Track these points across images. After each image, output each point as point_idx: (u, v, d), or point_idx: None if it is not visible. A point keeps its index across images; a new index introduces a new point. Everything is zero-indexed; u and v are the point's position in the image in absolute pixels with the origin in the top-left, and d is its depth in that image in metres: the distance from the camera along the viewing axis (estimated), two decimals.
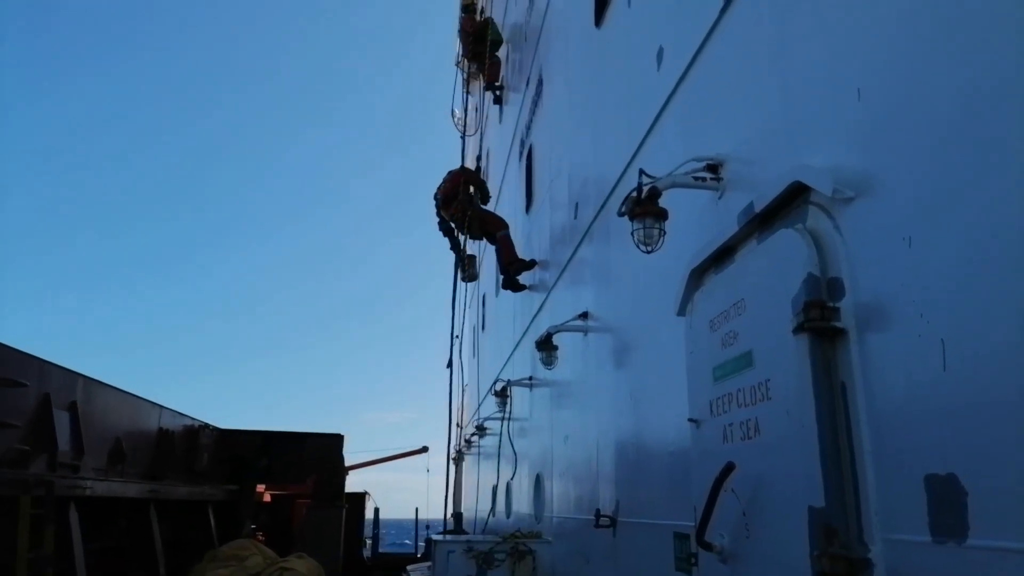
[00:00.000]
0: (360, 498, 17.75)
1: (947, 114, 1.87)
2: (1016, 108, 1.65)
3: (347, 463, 16.50)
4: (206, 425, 12.09)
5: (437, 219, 9.78)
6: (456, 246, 10.02)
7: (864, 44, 2.26)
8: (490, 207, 10.67)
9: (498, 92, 13.41)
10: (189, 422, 11.40)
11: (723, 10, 3.34)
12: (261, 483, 14.61)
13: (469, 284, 12.93)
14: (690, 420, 3.24)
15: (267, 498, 16.02)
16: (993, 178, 1.70)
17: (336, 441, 14.96)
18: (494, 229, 9.35)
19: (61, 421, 7.05)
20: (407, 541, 23.85)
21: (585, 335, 6.05)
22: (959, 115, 1.82)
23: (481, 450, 14.04)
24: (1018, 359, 1.59)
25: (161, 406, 10.19)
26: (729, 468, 2.71)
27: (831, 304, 2.25)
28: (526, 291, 9.24)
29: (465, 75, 14.78)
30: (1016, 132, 1.65)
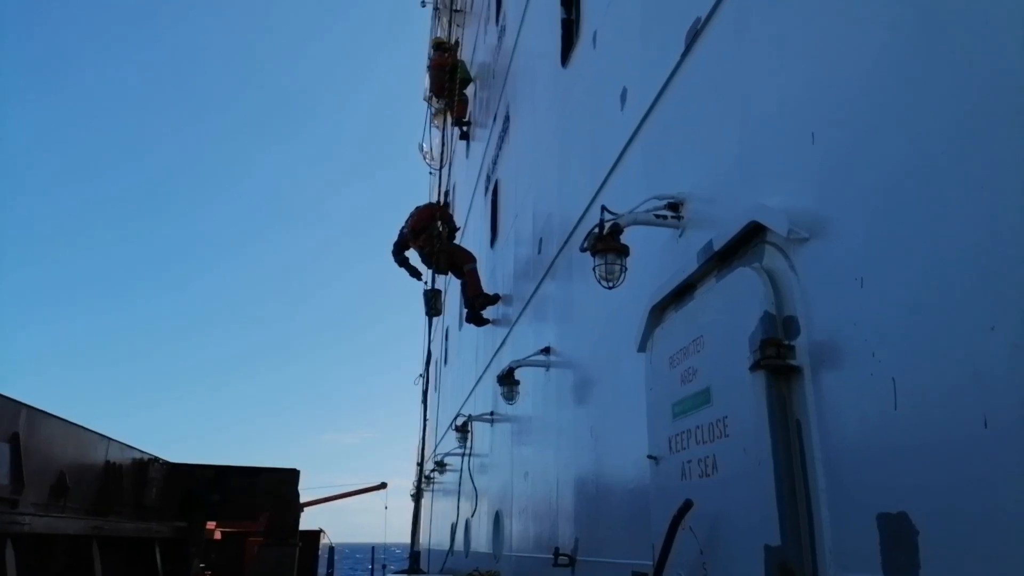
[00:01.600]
0: (315, 536, 17.27)
1: (898, 158, 1.93)
2: (964, 153, 1.71)
3: (303, 498, 16.08)
4: (156, 458, 11.70)
5: (392, 250, 9.81)
6: (416, 274, 10.03)
7: (818, 90, 2.34)
8: (455, 240, 10.69)
9: (465, 128, 13.53)
10: (138, 455, 11.01)
11: (684, 54, 3.43)
12: (212, 520, 14.12)
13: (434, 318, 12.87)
14: (649, 457, 3.23)
15: (218, 535, 15.47)
16: (943, 220, 1.76)
17: (291, 476, 14.58)
18: (461, 262, 9.36)
19: (1, 453, 6.76)
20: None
21: (547, 370, 6.04)
22: (910, 159, 1.89)
23: (441, 486, 13.82)
24: (967, 399, 1.62)
25: (109, 438, 9.83)
26: (687, 506, 2.70)
27: (787, 342, 2.28)
28: (489, 325, 9.23)
29: (433, 110, 14.90)
30: (965, 176, 1.70)
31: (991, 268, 1.60)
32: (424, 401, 12.51)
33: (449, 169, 14.56)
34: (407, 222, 9.74)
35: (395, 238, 9.84)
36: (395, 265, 9.98)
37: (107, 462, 9.82)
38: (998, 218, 1.59)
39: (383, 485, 26.45)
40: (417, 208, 9.89)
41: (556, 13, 6.41)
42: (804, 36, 2.46)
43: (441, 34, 16.39)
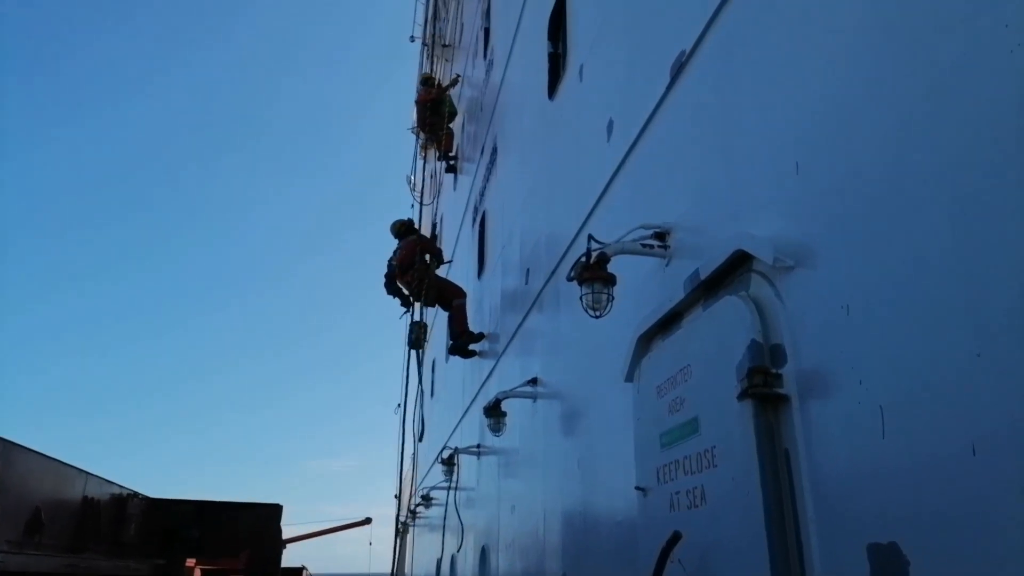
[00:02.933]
0: (297, 573, 16.91)
1: (881, 187, 1.94)
2: (948, 181, 1.73)
3: (286, 533, 15.78)
4: (135, 494, 11.47)
5: (384, 280, 9.78)
6: (408, 303, 9.99)
7: (801, 120, 2.37)
8: (443, 271, 10.67)
9: (452, 162, 13.62)
10: (117, 490, 10.81)
11: (669, 86, 3.47)
12: (192, 557, 13.82)
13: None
14: (637, 488, 3.19)
15: (197, 573, 15.14)
16: (927, 248, 1.77)
17: (274, 512, 14.33)
18: (451, 296, 9.34)
19: None
20: None
21: (534, 401, 5.99)
22: (893, 188, 1.90)
23: (426, 521, 13.60)
24: (954, 427, 1.61)
25: (87, 473, 9.64)
26: (675, 538, 2.66)
27: (774, 370, 2.27)
28: (475, 357, 9.18)
29: (421, 143, 15.01)
30: (948, 205, 1.72)
31: (976, 296, 1.60)
32: (403, 432, 12.33)
33: (436, 201, 14.63)
34: (395, 254, 9.74)
35: (385, 270, 9.83)
36: (386, 296, 9.94)
37: (85, 497, 9.62)
38: (982, 246, 1.60)
39: (368, 520, 26.05)
40: (405, 239, 9.89)
41: (543, 47, 6.51)
42: (787, 68, 2.49)
43: (429, 69, 16.58)
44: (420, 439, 10.25)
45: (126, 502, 11.21)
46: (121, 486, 11.29)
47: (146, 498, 12.52)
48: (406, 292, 9.59)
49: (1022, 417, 1.46)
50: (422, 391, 10.27)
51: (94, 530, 9.84)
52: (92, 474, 10.01)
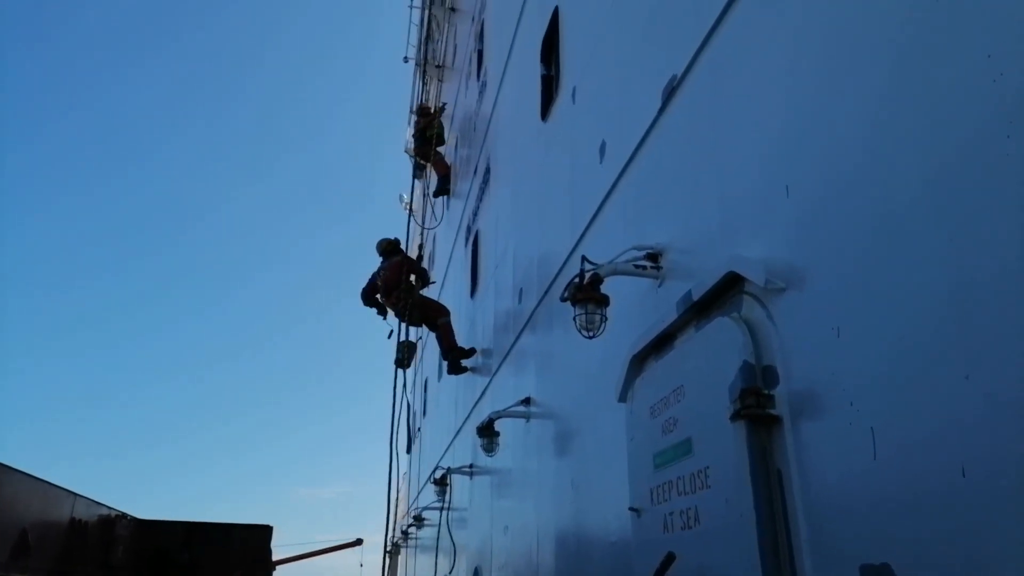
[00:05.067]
0: None
1: (871, 210, 1.98)
2: (937, 206, 1.76)
3: (276, 555, 15.60)
4: (124, 515, 11.35)
5: (362, 291, 9.84)
6: (384, 313, 10.03)
7: (792, 144, 2.41)
8: (435, 291, 10.68)
9: (445, 185, 13.68)
10: (105, 511, 10.68)
11: (661, 110, 3.52)
12: None
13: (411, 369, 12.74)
14: (631, 509, 3.20)
15: None
16: (916, 271, 1.80)
17: (264, 533, 14.18)
18: (435, 316, 9.38)
19: None
20: None
21: (527, 421, 5.99)
22: (883, 211, 1.94)
23: (418, 542, 13.49)
24: (944, 449, 1.63)
25: (76, 494, 9.54)
26: (670, 559, 2.66)
27: (766, 391, 2.29)
28: (469, 374, 9.18)
29: (415, 163, 15.08)
30: (937, 229, 1.75)
31: (964, 318, 1.63)
32: (391, 450, 12.20)
33: (424, 222, 14.66)
34: (379, 274, 9.77)
35: (366, 282, 9.89)
36: (365, 309, 9.99)
37: (72, 519, 9.50)
38: (970, 269, 1.63)
39: (359, 541, 25.77)
40: (389, 259, 9.91)
41: (536, 69, 6.58)
42: (777, 92, 2.54)
43: (422, 88, 16.68)
44: (408, 450, 10.18)
45: (114, 523, 11.08)
46: (110, 507, 11.16)
47: (135, 519, 12.37)
48: (388, 308, 9.64)
49: (1010, 439, 1.48)
50: (408, 402, 10.21)
51: (81, 552, 9.72)
52: (80, 495, 9.90)
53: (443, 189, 13.64)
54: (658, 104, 3.53)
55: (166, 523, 13.20)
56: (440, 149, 13.10)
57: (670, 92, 3.41)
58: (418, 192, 15.11)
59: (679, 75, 3.32)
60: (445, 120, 13.38)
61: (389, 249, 9.92)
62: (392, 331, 9.87)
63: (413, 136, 14.55)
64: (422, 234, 13.03)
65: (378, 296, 9.71)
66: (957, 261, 1.67)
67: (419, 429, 12.96)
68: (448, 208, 13.97)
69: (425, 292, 10.10)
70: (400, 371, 10.14)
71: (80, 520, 9.73)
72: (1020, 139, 1.53)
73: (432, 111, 13.54)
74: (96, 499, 10.37)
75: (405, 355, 9.97)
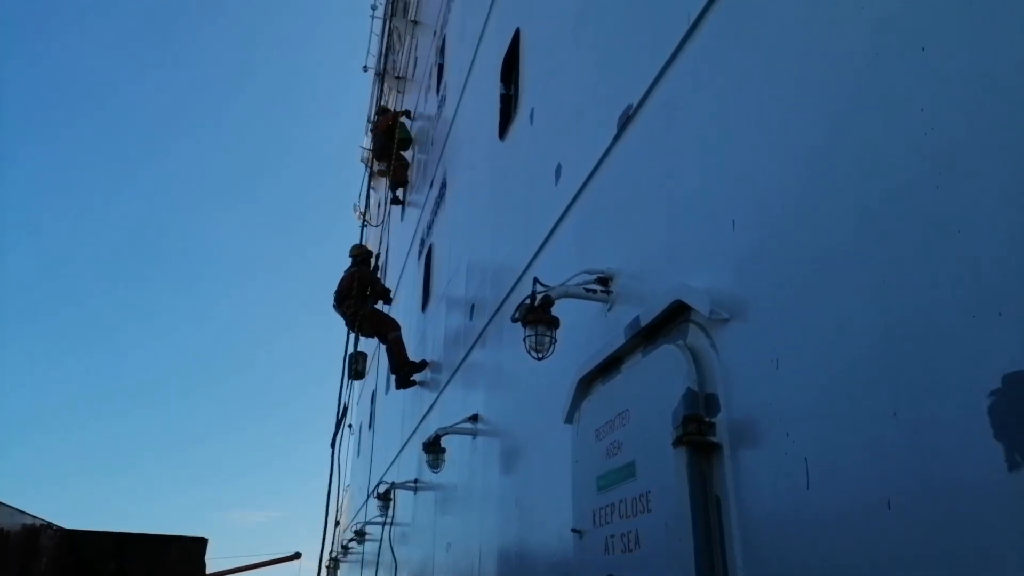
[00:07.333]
0: None
1: (810, 248, 2.06)
2: (869, 245, 1.85)
3: (210, 568, 15.12)
4: (49, 525, 10.87)
5: (332, 301, 9.72)
6: (352, 325, 9.90)
7: (739, 181, 2.49)
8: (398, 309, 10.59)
9: (401, 192, 13.60)
10: (29, 520, 10.21)
11: (616, 138, 3.60)
12: None
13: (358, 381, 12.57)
14: (573, 530, 3.22)
15: None
16: (849, 309, 1.88)
17: (198, 546, 13.73)
18: (386, 330, 9.32)
19: None
20: None
21: (474, 438, 5.98)
22: (820, 250, 2.02)
23: (360, 557, 13.27)
24: (872, 481, 1.71)
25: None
26: None
27: (708, 419, 2.36)
28: (417, 388, 9.12)
29: (370, 171, 14.96)
30: (868, 268, 1.84)
31: (892, 356, 1.71)
32: (333, 460, 11.97)
33: (384, 228, 14.56)
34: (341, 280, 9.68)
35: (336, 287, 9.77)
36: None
37: None
38: (899, 309, 1.72)
39: (298, 555, 25.17)
40: (347, 270, 9.83)
41: (495, 88, 6.64)
42: (726, 131, 2.63)
43: (379, 98, 16.63)
44: (332, 443, 9.88)
45: (39, 533, 10.60)
46: (34, 516, 10.68)
47: (61, 529, 11.87)
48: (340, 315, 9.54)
49: (933, 475, 1.55)
50: (346, 376, 9.94)
51: (2, 563, 9.26)
52: (2, 503, 9.46)
53: (396, 199, 13.57)
54: (613, 132, 3.60)
55: (95, 533, 12.68)
56: (404, 154, 13.03)
57: (625, 121, 3.49)
58: (373, 201, 14.97)
59: (634, 105, 3.40)
60: (406, 127, 13.33)
61: (355, 256, 9.86)
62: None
63: (371, 132, 14.38)
64: (380, 243, 12.93)
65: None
66: (887, 301, 1.75)
67: (350, 426, 12.70)
68: (402, 219, 13.90)
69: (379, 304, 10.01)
70: (351, 382, 10.00)
71: (1, 529, 9.28)
72: (947, 189, 1.62)
73: (392, 111, 13.49)
74: (20, 508, 9.91)
75: (358, 366, 9.85)
